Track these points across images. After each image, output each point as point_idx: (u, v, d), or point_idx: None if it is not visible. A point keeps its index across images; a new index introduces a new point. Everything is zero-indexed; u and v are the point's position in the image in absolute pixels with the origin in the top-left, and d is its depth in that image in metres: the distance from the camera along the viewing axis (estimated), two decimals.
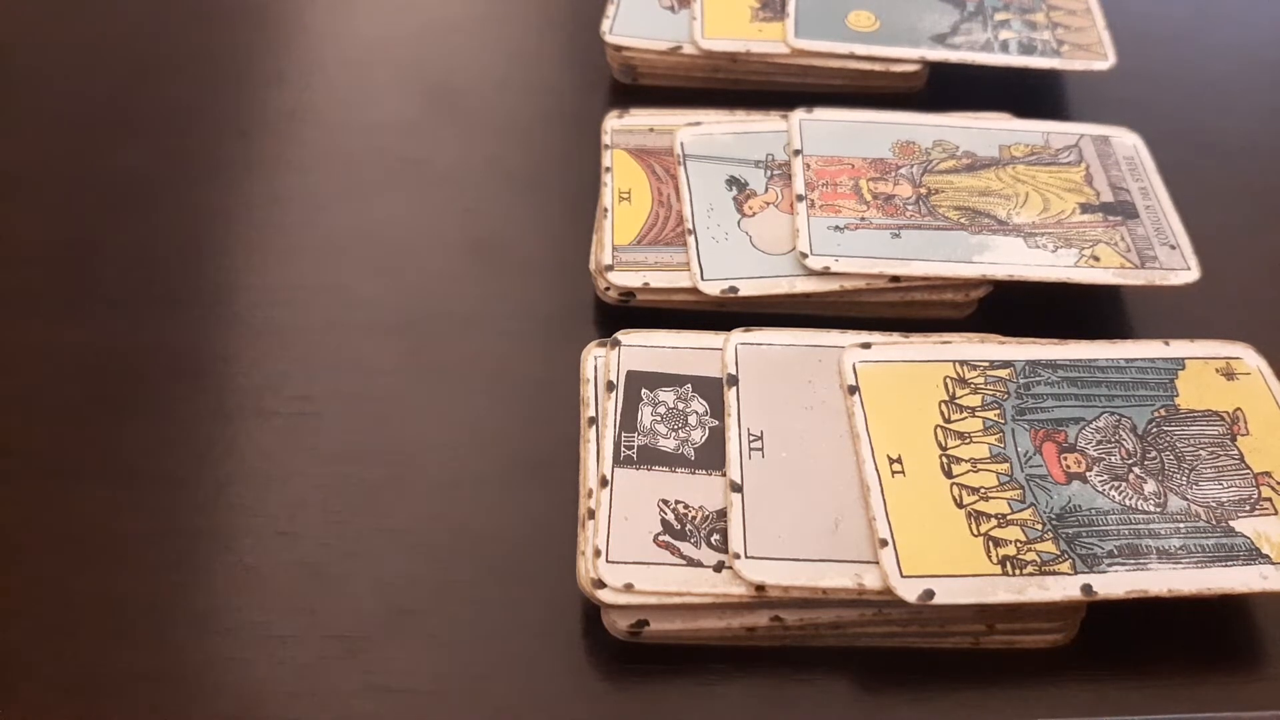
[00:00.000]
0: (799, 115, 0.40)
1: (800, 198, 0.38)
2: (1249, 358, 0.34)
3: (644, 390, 0.33)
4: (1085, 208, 0.38)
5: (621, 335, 0.34)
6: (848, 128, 0.40)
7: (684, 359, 0.34)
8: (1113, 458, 0.32)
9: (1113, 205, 0.38)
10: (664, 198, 0.39)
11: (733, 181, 0.39)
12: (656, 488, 0.31)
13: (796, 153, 0.39)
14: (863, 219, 0.37)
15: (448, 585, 0.32)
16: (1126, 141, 0.40)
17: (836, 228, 0.37)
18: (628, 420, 0.32)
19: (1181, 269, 0.36)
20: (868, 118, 0.41)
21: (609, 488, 0.31)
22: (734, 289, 0.36)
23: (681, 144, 0.40)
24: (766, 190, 0.39)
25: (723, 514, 0.31)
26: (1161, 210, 0.38)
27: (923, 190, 0.38)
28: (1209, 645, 0.31)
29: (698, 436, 0.32)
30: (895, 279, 0.36)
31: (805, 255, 0.36)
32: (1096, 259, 0.36)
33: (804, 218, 0.37)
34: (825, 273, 0.36)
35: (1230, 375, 0.34)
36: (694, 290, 0.36)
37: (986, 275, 0.36)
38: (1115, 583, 0.29)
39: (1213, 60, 0.48)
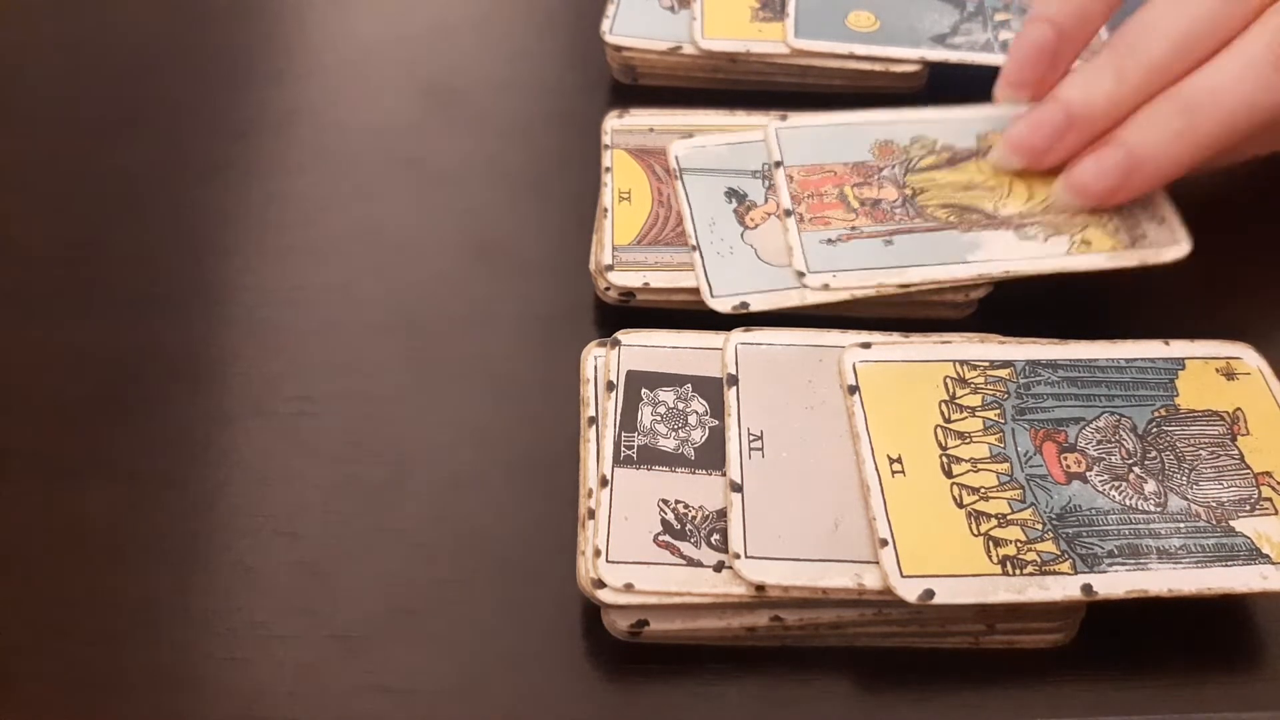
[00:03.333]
0: (774, 125, 0.40)
1: (788, 212, 0.37)
2: (1249, 358, 0.34)
3: (644, 390, 0.33)
4: None
5: (621, 335, 0.34)
6: (824, 132, 0.40)
7: (684, 359, 0.34)
8: (1113, 458, 0.32)
9: None
10: (664, 198, 0.39)
11: (732, 193, 0.39)
12: (656, 488, 0.31)
13: (778, 164, 0.39)
14: (853, 228, 0.37)
15: (448, 585, 0.32)
16: None
17: (829, 240, 0.37)
18: (628, 420, 0.32)
19: (1171, 244, 0.36)
20: (842, 120, 0.40)
21: (609, 488, 0.31)
22: (745, 304, 0.35)
23: (676, 158, 0.40)
24: (766, 201, 0.38)
25: (723, 514, 0.31)
26: None
27: (908, 191, 0.38)
28: (1209, 645, 0.31)
29: (698, 436, 0.32)
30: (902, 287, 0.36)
31: (802, 274, 0.36)
32: (1087, 243, 0.36)
33: (794, 234, 0.37)
34: (824, 289, 0.36)
35: (1230, 375, 0.34)
36: (694, 290, 0.36)
37: (983, 275, 0.36)
38: (1115, 583, 0.29)
39: None
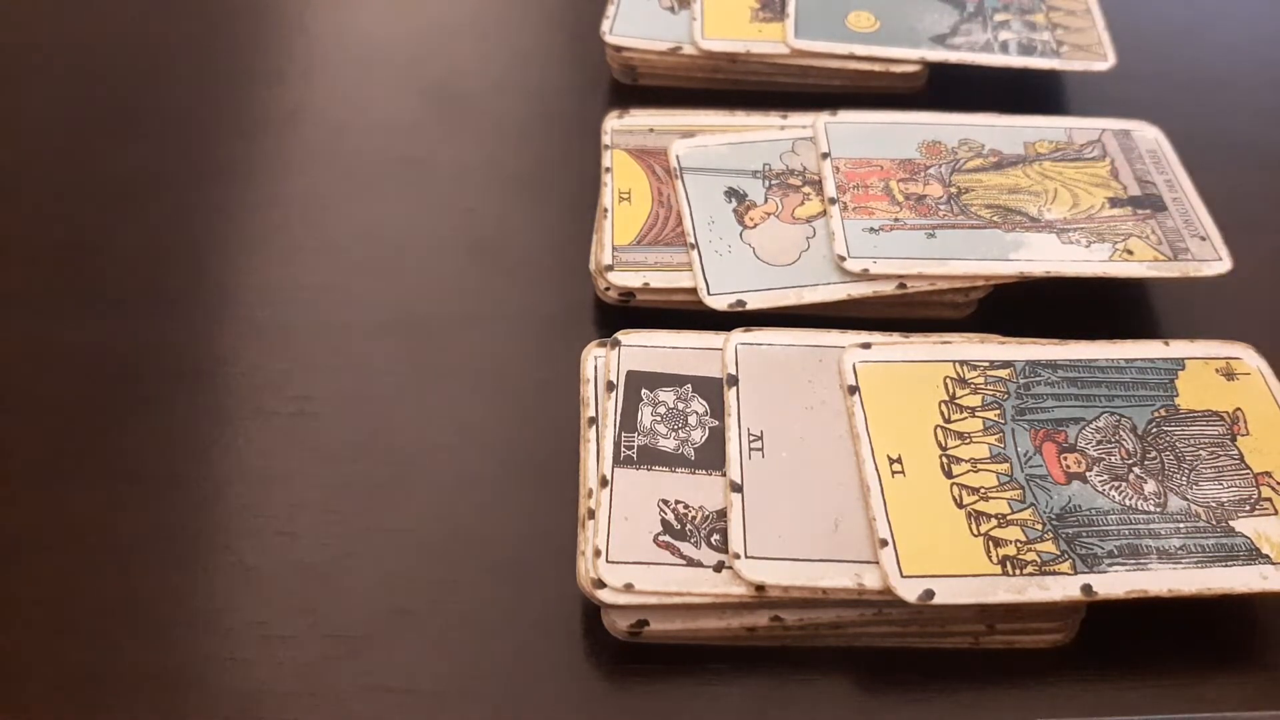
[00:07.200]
0: (824, 118, 0.40)
1: (833, 200, 0.38)
2: (1249, 358, 0.34)
3: (644, 390, 0.33)
4: (1114, 202, 0.38)
5: (621, 335, 0.34)
6: (873, 129, 0.40)
7: (684, 359, 0.34)
8: (1113, 458, 0.32)
9: (1140, 199, 0.38)
10: (664, 198, 0.39)
11: (731, 193, 0.39)
12: (656, 488, 0.31)
13: (824, 155, 0.39)
14: (896, 220, 0.37)
15: (448, 585, 0.32)
16: (1148, 135, 0.40)
17: (871, 229, 0.37)
18: (628, 420, 0.32)
19: (1213, 260, 0.36)
20: (892, 119, 0.41)
21: (609, 488, 0.31)
22: (741, 302, 0.36)
23: (677, 157, 0.40)
24: (766, 201, 0.38)
25: (723, 514, 0.31)
26: (1189, 203, 0.38)
27: (953, 190, 0.38)
28: (1209, 645, 0.31)
29: (698, 436, 0.32)
30: (931, 279, 0.36)
31: (843, 258, 0.36)
32: (1130, 253, 0.36)
33: (838, 220, 0.37)
34: (864, 275, 0.36)
35: (1230, 375, 0.34)
36: (694, 290, 0.36)
37: (1023, 272, 0.36)
38: (1115, 583, 0.29)
39: (1212, 61, 0.48)
